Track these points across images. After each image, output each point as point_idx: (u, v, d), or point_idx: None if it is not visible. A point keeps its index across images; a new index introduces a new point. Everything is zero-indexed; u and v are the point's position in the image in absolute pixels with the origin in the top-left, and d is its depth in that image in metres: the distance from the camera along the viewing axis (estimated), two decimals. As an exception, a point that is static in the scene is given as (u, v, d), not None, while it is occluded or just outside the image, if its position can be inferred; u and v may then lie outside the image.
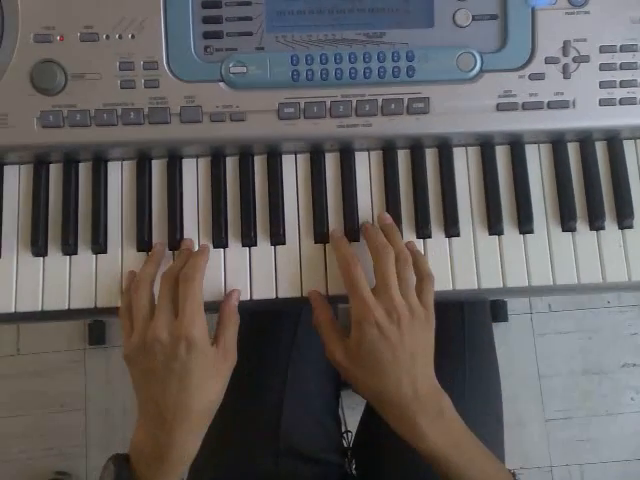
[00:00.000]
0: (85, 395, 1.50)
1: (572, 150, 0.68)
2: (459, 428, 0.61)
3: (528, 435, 1.52)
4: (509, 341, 1.54)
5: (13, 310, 0.64)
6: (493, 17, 0.65)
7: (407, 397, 0.59)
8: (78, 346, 1.52)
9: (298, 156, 0.68)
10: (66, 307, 0.65)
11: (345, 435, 0.85)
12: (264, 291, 0.66)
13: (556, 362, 1.55)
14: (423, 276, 0.62)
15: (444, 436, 0.59)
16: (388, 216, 0.66)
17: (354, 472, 0.81)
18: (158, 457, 0.58)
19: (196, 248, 0.66)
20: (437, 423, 0.59)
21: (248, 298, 0.65)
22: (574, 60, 0.64)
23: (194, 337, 0.57)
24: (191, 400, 0.58)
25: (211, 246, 0.66)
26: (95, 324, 1.51)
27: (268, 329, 0.84)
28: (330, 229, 0.66)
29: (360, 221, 0.67)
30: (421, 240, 0.67)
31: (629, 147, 0.68)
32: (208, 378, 0.59)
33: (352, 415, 0.90)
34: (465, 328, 0.82)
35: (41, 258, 0.66)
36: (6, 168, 0.67)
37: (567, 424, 1.53)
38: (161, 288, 0.60)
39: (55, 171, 0.67)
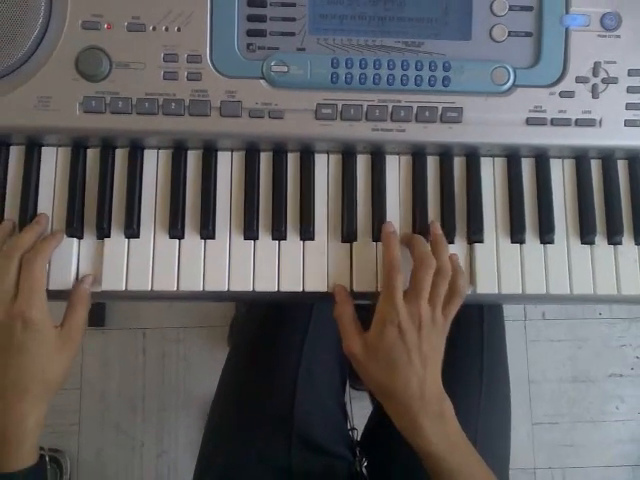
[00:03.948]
0: (81, 375, 1.51)
1: (594, 167, 0.71)
2: (457, 432, 0.64)
3: (515, 437, 1.52)
4: (502, 345, 1.57)
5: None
6: (528, 34, 0.67)
7: (413, 396, 0.62)
8: (77, 326, 1.52)
9: (330, 156, 0.70)
10: (99, 289, 0.66)
11: (351, 432, 0.87)
12: (291, 284, 0.67)
13: (546, 368, 1.59)
14: (455, 292, 0.65)
15: (442, 438, 0.62)
16: (439, 226, 0.68)
17: (364, 470, 0.83)
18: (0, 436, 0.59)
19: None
20: (437, 424, 0.62)
21: (275, 290, 0.67)
22: (603, 81, 0.67)
23: (31, 317, 0.59)
24: (26, 377, 0.60)
25: (242, 237, 0.68)
26: (96, 306, 1.51)
27: (281, 321, 0.86)
28: (358, 228, 0.68)
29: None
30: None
31: (650, 167, 0.71)
32: (46, 357, 0.61)
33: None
34: (484, 330, 0.85)
35: (75, 239, 0.67)
36: (44, 149, 0.68)
37: (553, 428, 1.57)
38: (0, 266, 0.61)
39: (92, 155, 0.69)
